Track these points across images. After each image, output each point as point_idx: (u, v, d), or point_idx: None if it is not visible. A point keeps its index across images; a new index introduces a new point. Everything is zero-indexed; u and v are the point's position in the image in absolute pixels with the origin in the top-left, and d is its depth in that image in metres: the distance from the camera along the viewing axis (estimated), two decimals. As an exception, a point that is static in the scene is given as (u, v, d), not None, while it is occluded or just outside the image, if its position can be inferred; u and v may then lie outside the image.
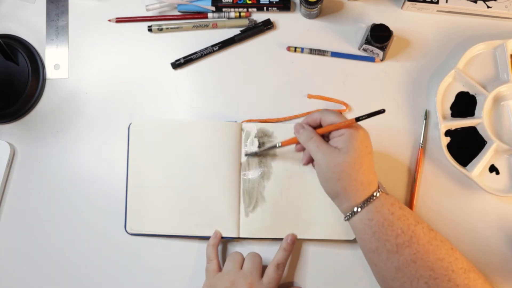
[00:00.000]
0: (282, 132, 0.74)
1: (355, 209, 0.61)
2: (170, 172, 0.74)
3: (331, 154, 0.60)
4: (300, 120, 0.76)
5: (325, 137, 0.64)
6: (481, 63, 0.76)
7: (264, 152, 0.74)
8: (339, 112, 0.63)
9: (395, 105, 0.76)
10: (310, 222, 0.72)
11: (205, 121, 0.76)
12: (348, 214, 0.62)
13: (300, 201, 0.73)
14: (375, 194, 0.61)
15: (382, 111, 0.59)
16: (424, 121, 0.75)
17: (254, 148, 0.74)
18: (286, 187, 0.73)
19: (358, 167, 0.60)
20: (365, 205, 0.60)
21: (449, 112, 0.75)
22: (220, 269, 0.70)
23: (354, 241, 0.72)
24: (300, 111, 0.76)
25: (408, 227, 0.60)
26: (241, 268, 0.69)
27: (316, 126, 0.64)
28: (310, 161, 0.64)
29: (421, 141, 0.74)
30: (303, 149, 0.65)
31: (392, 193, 0.74)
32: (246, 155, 0.74)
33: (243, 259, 0.70)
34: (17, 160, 0.78)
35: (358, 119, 0.60)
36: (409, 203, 0.74)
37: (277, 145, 0.70)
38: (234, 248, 0.75)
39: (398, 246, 0.59)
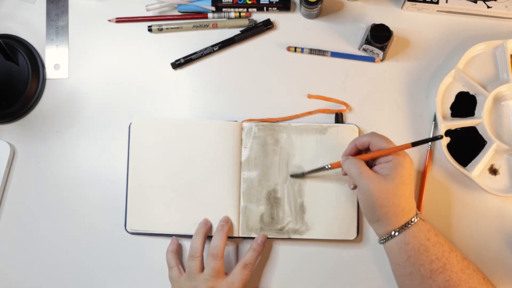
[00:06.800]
0: (283, 132, 0.75)
1: (393, 232, 0.62)
2: (170, 172, 0.74)
3: (375, 180, 0.61)
4: (300, 120, 0.76)
5: (369, 162, 0.64)
6: (481, 63, 0.75)
7: (310, 175, 0.73)
8: (386, 137, 0.64)
9: (395, 105, 0.76)
10: (310, 222, 0.72)
11: (205, 120, 0.76)
12: (384, 237, 0.63)
13: (300, 201, 0.73)
14: (413, 219, 0.62)
15: (439, 137, 0.60)
16: (434, 122, 0.75)
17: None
18: (286, 186, 0.74)
19: (401, 193, 0.61)
20: (403, 229, 0.61)
21: (449, 112, 0.75)
22: (182, 274, 0.70)
23: (354, 241, 0.72)
24: (300, 111, 0.76)
25: (442, 254, 0.61)
26: (202, 270, 0.69)
27: (364, 150, 0.65)
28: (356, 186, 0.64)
29: (429, 143, 0.74)
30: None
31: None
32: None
33: (201, 262, 0.70)
34: (17, 160, 0.78)
35: (414, 144, 0.60)
36: (417, 203, 0.74)
37: (326, 167, 0.69)
38: (234, 247, 0.75)
39: (432, 272, 0.60)
